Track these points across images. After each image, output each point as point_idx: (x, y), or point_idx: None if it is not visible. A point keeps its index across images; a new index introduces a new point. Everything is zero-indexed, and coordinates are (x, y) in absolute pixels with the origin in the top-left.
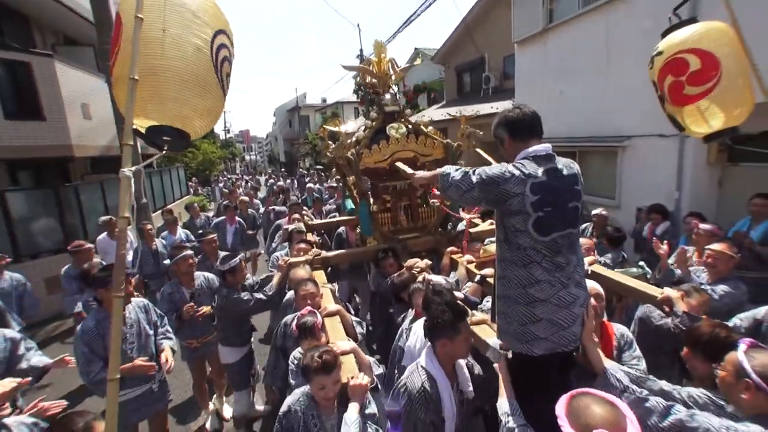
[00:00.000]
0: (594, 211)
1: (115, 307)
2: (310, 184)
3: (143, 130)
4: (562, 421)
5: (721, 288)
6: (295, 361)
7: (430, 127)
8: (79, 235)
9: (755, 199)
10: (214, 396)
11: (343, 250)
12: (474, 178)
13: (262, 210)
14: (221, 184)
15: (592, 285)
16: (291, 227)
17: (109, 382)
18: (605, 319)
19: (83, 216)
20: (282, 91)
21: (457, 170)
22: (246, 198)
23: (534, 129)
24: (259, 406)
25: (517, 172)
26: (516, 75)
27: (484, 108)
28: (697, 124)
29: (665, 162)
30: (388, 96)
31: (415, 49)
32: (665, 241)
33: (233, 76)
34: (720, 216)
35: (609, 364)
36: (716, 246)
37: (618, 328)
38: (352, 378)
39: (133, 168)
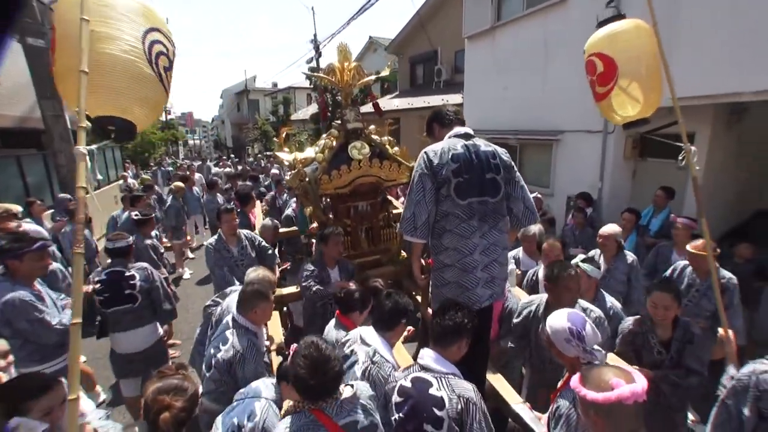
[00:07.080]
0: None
1: (75, 262)
2: (274, 170)
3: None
4: (582, 390)
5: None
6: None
7: (396, 148)
8: None
9: (657, 191)
10: None
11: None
12: (414, 198)
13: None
14: (169, 168)
15: None
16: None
17: (72, 326)
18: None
19: None
20: (230, 72)
21: (403, 221)
22: (181, 183)
23: (455, 118)
24: None
25: (437, 149)
26: (465, 69)
27: (435, 100)
28: (619, 111)
29: (591, 155)
30: (350, 111)
31: (370, 37)
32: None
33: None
34: (632, 202)
35: None
36: (607, 229)
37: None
38: None
39: (90, 147)
